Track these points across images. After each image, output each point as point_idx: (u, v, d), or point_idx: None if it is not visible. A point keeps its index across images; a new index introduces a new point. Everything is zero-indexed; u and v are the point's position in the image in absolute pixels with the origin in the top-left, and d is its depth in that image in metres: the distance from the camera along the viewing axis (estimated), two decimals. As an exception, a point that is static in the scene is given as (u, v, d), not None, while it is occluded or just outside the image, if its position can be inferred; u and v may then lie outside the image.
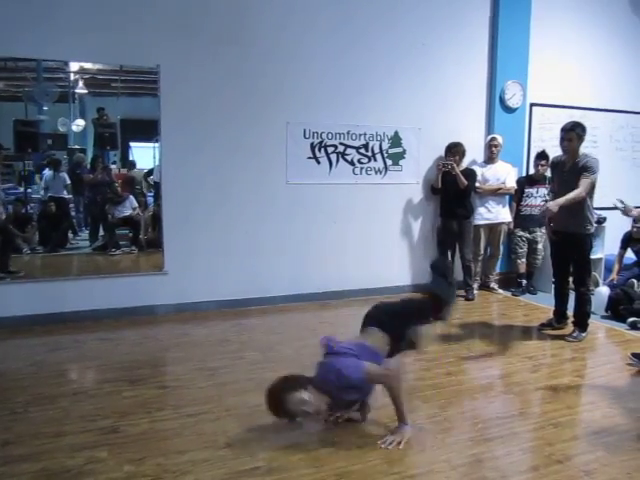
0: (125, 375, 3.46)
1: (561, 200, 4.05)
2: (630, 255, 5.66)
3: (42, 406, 3.02)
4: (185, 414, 2.94)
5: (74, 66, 5.03)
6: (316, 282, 5.14)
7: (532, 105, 6.13)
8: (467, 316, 5.02)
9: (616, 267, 5.58)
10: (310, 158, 5.25)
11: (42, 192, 5.40)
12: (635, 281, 5.07)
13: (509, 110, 5.93)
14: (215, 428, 2.80)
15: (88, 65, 4.95)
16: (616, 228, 5.95)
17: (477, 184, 5.61)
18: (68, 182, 5.40)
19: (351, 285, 5.30)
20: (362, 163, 5.46)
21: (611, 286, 5.23)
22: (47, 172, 5.39)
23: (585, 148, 6.04)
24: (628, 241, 5.48)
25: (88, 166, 5.58)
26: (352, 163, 5.42)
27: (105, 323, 4.52)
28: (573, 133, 4.14)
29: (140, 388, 3.27)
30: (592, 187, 4.19)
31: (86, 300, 4.59)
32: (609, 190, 5.49)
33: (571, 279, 4.52)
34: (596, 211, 5.58)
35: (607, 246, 6.13)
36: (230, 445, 2.63)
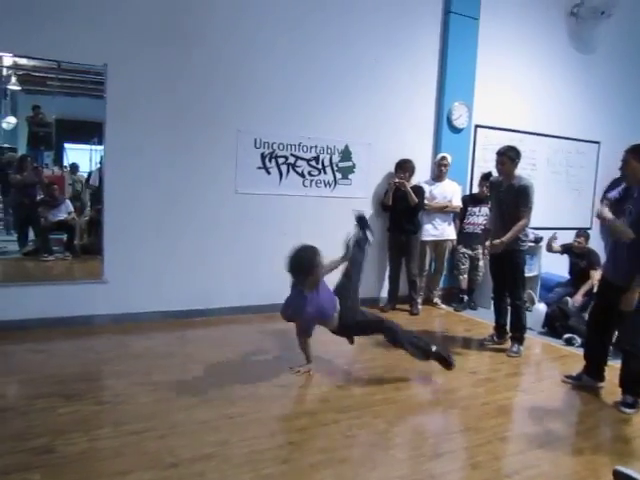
0: (60, 390, 3.23)
1: (506, 238, 4.33)
2: (563, 273, 5.93)
3: (-34, 424, 2.77)
4: (127, 432, 2.77)
5: (7, 61, 4.72)
6: (263, 294, 5.03)
7: (477, 127, 6.35)
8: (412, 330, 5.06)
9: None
10: (260, 168, 5.18)
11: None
12: (569, 299, 5.30)
13: (455, 130, 6.11)
14: (160, 446, 2.65)
15: (23, 61, 4.67)
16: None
17: (425, 201, 5.72)
18: None
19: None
20: (312, 175, 5.45)
21: (547, 303, 5.44)
22: None
23: (524, 170, 6.36)
24: (569, 250, 5.71)
25: (18, 166, 5.24)
26: (302, 175, 5.40)
27: (37, 334, 4.22)
28: (505, 157, 4.40)
29: (77, 404, 3.06)
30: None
31: (15, 309, 4.27)
32: (545, 211, 5.76)
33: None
34: (533, 230, 5.86)
35: (543, 264, 6.39)
36: (176, 465, 2.50)
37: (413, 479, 2.53)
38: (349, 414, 3.21)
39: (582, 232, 5.76)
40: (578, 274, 5.65)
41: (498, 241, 4.36)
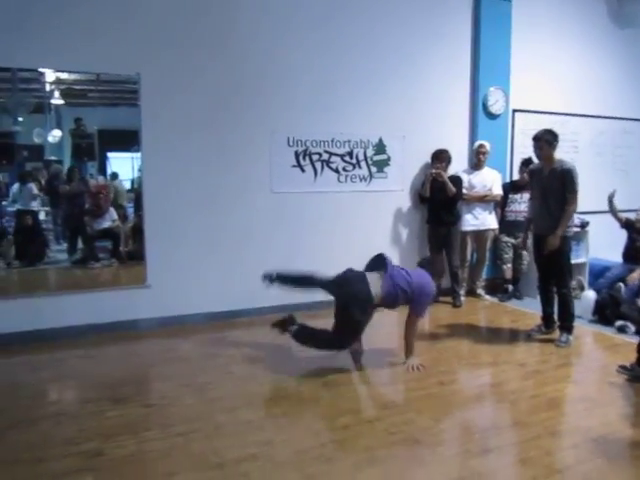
0: (109, 394, 3.32)
1: (559, 231, 4.20)
2: (614, 258, 5.69)
3: (21, 430, 2.87)
4: (173, 433, 2.82)
5: (50, 76, 4.89)
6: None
7: (515, 111, 6.16)
8: (455, 323, 4.98)
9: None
10: (295, 166, 5.18)
11: (14, 205, 5.22)
12: (622, 285, 5.07)
13: (492, 116, 5.94)
14: (205, 447, 2.69)
15: (64, 75, 4.82)
16: (599, 232, 6.00)
17: (464, 191, 5.60)
18: (35, 192, 5.21)
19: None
20: (347, 170, 5.41)
21: (597, 290, 5.23)
22: (16, 185, 5.21)
23: (566, 153, 6.15)
24: (631, 225, 5.47)
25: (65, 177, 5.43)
26: (337, 171, 5.37)
27: (86, 340, 4.35)
28: (542, 141, 4.26)
29: (125, 407, 3.14)
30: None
31: (65, 316, 4.42)
32: (591, 194, 5.53)
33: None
34: (579, 215, 5.64)
35: (591, 250, 6.16)
36: (222, 465, 2.53)
37: (460, 477, 2.48)
38: (392, 410, 3.18)
39: None
40: (635, 254, 5.35)
41: (552, 237, 4.21)
